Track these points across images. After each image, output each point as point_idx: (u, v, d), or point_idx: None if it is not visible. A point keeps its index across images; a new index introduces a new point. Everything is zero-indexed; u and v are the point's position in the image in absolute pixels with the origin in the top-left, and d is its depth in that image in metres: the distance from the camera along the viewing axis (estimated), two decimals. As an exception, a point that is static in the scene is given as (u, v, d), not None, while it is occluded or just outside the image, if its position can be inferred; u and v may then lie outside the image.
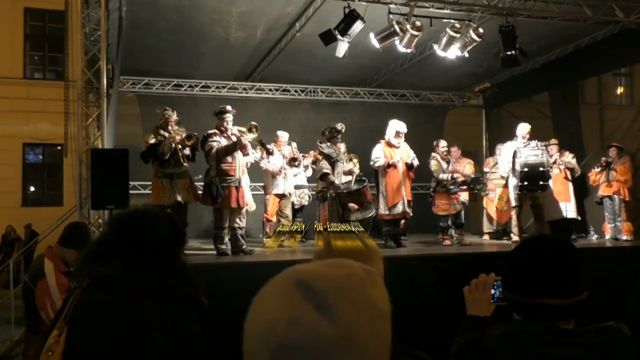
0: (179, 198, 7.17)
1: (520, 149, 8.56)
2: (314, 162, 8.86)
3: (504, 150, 8.99)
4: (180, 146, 7.23)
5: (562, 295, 1.58)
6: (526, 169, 8.40)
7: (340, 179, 8.26)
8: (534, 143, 8.61)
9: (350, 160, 9.29)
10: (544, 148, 8.62)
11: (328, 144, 8.39)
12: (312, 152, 9.64)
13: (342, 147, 9.20)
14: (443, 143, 9.09)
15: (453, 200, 8.80)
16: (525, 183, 8.42)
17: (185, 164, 7.34)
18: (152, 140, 7.28)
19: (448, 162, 8.95)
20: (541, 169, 8.39)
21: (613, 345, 1.52)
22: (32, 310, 3.96)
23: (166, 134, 7.29)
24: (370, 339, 0.79)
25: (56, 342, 1.72)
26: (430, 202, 9.03)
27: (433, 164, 8.89)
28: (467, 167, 9.22)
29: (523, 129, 8.76)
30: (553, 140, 9.62)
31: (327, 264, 0.86)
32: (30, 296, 4.00)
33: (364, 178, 8.47)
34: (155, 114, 7.70)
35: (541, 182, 8.41)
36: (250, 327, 0.81)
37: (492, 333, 1.65)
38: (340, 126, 8.47)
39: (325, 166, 8.22)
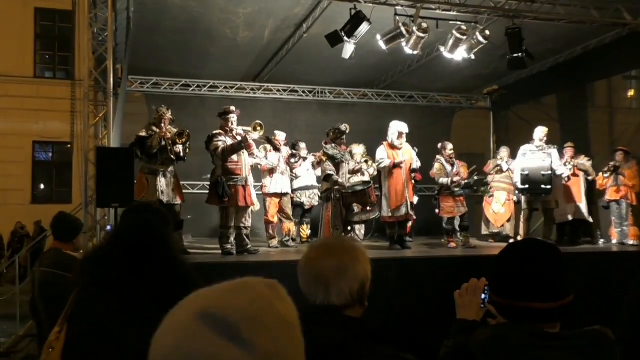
0: (162, 197, 7.18)
1: (527, 152, 8.55)
2: (319, 163, 8.85)
3: (518, 155, 8.91)
4: (170, 142, 7.22)
5: (547, 299, 1.59)
6: (527, 172, 8.41)
7: (345, 180, 8.23)
8: (546, 147, 8.58)
9: (366, 162, 9.29)
10: (553, 152, 8.59)
11: (333, 145, 8.38)
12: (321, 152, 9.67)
13: (360, 148, 9.18)
14: (450, 146, 9.02)
15: (458, 203, 8.76)
16: (527, 186, 8.42)
17: (173, 157, 7.28)
18: (143, 134, 7.30)
19: (453, 165, 8.89)
20: (543, 173, 8.37)
21: (597, 349, 1.53)
22: (60, 302, 3.96)
23: (157, 130, 7.32)
24: (290, 355, 0.80)
25: (57, 339, 1.75)
26: (435, 204, 8.99)
27: (436, 167, 8.83)
28: (460, 170, 9.18)
29: (540, 132, 8.71)
30: (569, 144, 9.58)
31: (228, 289, 0.82)
32: (62, 286, 4.02)
33: (369, 180, 8.45)
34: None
35: (542, 186, 8.38)
36: None
37: (477, 336, 1.66)
38: (344, 127, 8.46)
39: (328, 167, 8.21)
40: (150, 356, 0.78)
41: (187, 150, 7.41)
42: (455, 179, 8.70)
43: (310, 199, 9.59)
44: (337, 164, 8.26)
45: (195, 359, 0.73)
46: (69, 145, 15.10)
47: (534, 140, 8.74)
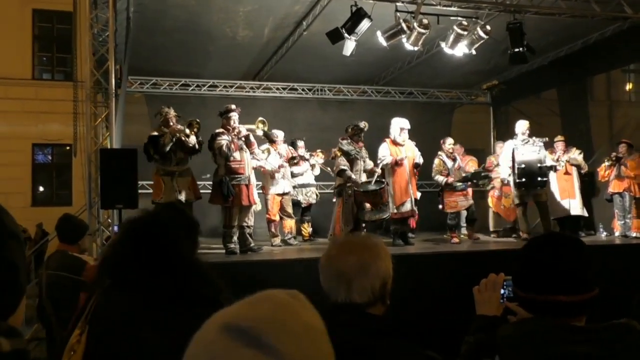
0: (180, 196, 7.18)
1: (518, 147, 8.56)
2: (333, 158, 8.85)
3: (504, 151, 8.97)
4: (184, 135, 7.20)
5: (572, 292, 1.58)
6: (523, 166, 8.41)
7: (359, 177, 8.24)
8: (532, 140, 8.60)
9: None
10: (542, 144, 8.61)
11: (349, 140, 8.39)
12: (318, 151, 9.68)
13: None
14: (449, 140, 9.04)
15: (460, 197, 8.76)
16: (523, 180, 8.42)
17: (187, 159, 7.31)
18: (154, 133, 7.29)
19: (454, 160, 8.89)
20: (539, 165, 8.39)
21: (625, 342, 1.52)
22: (68, 304, 3.98)
23: (166, 130, 7.31)
24: None
25: (78, 341, 1.73)
26: (439, 200, 9.00)
27: (435, 163, 8.84)
28: (469, 165, 9.19)
29: (522, 126, 8.74)
30: (559, 137, 9.59)
31: (250, 301, 0.82)
32: (69, 288, 4.06)
33: (383, 179, 8.40)
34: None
35: (539, 179, 8.41)
36: None
37: (503, 332, 1.64)
38: (363, 124, 8.46)
39: (342, 162, 8.22)
40: None
41: (202, 141, 7.41)
42: (451, 180, 8.67)
43: (307, 197, 9.61)
44: (351, 160, 8.26)
45: None
46: (68, 147, 15.07)
47: (517, 135, 8.74)
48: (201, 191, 7.89)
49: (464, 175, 8.82)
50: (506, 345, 1.61)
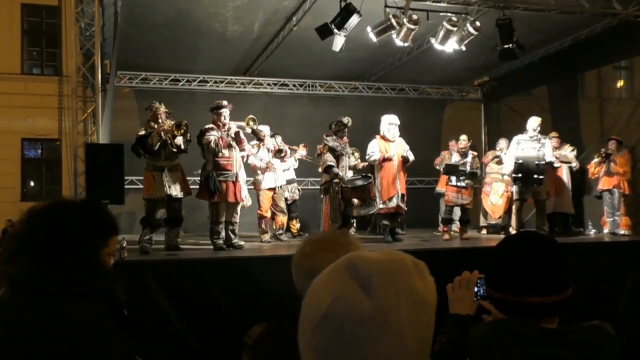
0: (170, 191, 7.15)
1: (521, 142, 8.56)
2: (319, 155, 8.83)
3: (511, 145, 8.92)
4: (170, 136, 7.17)
5: (545, 293, 1.56)
6: (520, 161, 8.40)
7: (345, 173, 8.24)
8: (541, 137, 8.60)
9: (352, 154, 9.27)
10: (545, 142, 8.61)
11: (334, 137, 8.37)
12: (301, 145, 9.71)
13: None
14: (463, 137, 9.09)
15: (455, 193, 8.71)
16: (520, 175, 8.41)
17: (177, 154, 7.28)
18: (142, 132, 7.24)
19: (464, 156, 8.88)
20: (536, 162, 8.38)
21: (597, 344, 1.50)
22: None
23: (155, 126, 7.26)
24: (407, 322, 0.86)
25: None
26: (443, 194, 9.06)
27: (446, 156, 8.96)
28: (474, 160, 9.18)
29: (533, 122, 8.71)
30: (553, 134, 9.59)
31: (380, 252, 0.93)
32: None
33: (369, 175, 8.39)
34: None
35: (535, 176, 8.39)
36: (304, 303, 0.92)
37: (475, 333, 1.62)
38: (346, 120, 8.45)
39: (329, 159, 8.20)
40: (308, 299, 0.91)
41: (189, 140, 7.36)
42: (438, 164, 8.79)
43: (292, 193, 9.61)
44: (337, 156, 8.25)
45: (332, 297, 0.86)
46: (58, 142, 14.96)
47: (527, 131, 8.73)
48: (191, 187, 7.87)
49: (443, 167, 8.87)
50: (477, 346, 1.58)
